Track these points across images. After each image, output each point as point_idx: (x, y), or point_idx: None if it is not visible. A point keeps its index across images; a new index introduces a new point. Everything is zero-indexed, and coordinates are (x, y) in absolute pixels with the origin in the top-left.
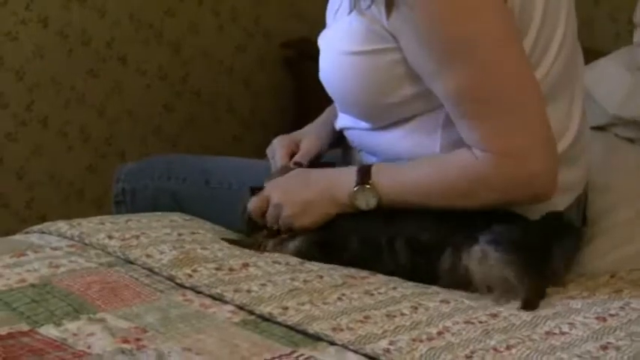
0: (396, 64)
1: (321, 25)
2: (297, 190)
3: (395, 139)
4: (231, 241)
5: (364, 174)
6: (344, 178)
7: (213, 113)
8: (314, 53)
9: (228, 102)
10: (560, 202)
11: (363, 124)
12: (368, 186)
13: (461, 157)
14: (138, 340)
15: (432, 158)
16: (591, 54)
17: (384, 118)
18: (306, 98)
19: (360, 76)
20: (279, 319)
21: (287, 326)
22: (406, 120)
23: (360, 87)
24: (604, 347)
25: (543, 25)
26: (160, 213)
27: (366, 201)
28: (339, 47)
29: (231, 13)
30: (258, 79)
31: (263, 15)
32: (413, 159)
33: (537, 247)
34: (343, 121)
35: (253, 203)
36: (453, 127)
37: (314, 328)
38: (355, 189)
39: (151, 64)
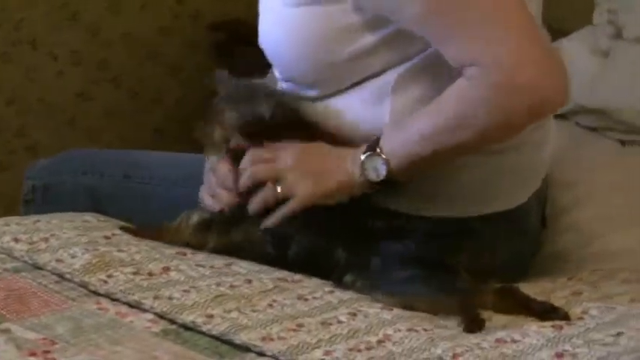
0: (342, 15)
1: (255, 4)
2: (310, 159)
3: (341, 109)
4: (131, 231)
5: (373, 141)
6: (356, 150)
7: (135, 103)
8: (249, 36)
9: (152, 90)
10: (523, 193)
11: (307, 93)
12: (377, 151)
13: (454, 86)
14: (46, 352)
15: (432, 102)
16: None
17: (329, 81)
18: None
19: (305, 30)
20: (204, 329)
21: (212, 336)
22: (353, 85)
23: (306, 42)
24: (559, 355)
25: None
26: (71, 213)
27: (375, 169)
28: (281, 0)
29: None
30: (185, 65)
31: None
32: (357, 132)
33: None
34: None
35: (254, 156)
36: (402, 92)
37: (241, 337)
38: (363, 157)
39: (64, 48)
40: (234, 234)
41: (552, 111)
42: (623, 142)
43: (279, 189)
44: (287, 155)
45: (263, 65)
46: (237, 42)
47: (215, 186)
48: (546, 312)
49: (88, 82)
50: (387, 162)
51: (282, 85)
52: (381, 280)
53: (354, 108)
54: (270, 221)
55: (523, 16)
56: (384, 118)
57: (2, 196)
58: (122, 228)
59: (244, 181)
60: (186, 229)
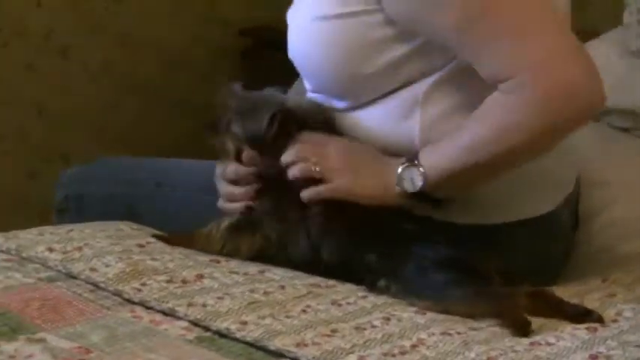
0: (374, 28)
1: (286, 10)
2: (354, 157)
3: (370, 121)
4: (163, 238)
5: (413, 154)
6: (396, 160)
7: (166, 110)
8: (277, 42)
9: (182, 98)
10: (552, 199)
11: (336, 104)
12: (414, 162)
13: (491, 101)
14: None
15: (471, 116)
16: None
17: (359, 93)
18: None
19: (334, 43)
20: (238, 335)
21: (246, 342)
22: (383, 96)
23: (334, 55)
24: (594, 357)
25: None
26: (104, 222)
27: (412, 180)
28: (310, 13)
29: None
30: (215, 71)
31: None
32: (385, 145)
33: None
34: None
35: (305, 141)
36: (432, 104)
37: (275, 343)
38: (401, 168)
39: (96, 57)
40: (266, 231)
41: (595, 111)
42: None
43: (317, 168)
44: (332, 145)
45: (291, 71)
46: (266, 48)
47: (227, 187)
48: (580, 315)
49: (119, 91)
50: (424, 174)
51: (310, 96)
52: (416, 284)
53: (382, 120)
54: (306, 194)
55: (554, 20)
56: (414, 130)
57: (36, 205)
58: (155, 236)
59: (294, 173)
60: (217, 234)
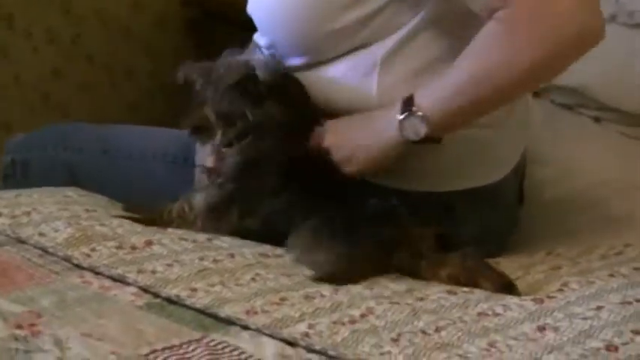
0: None
1: None
2: (348, 132)
3: (326, 80)
4: (132, 218)
5: (407, 100)
6: (389, 112)
7: (109, 80)
8: (221, 13)
9: (126, 67)
10: (500, 170)
11: (292, 62)
12: (413, 110)
13: (488, 31)
14: (32, 325)
15: (465, 52)
16: None
17: (320, 49)
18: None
19: None
20: (188, 302)
21: (196, 309)
22: (342, 55)
23: (299, 10)
24: (541, 328)
25: None
26: (52, 188)
27: (414, 129)
28: None
29: None
30: (159, 41)
31: None
32: (347, 102)
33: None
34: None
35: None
36: (390, 64)
37: (225, 311)
38: (401, 118)
39: (39, 25)
40: (232, 214)
41: (594, 41)
42: (597, 119)
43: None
44: (329, 134)
45: (236, 42)
46: (211, 18)
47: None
48: (503, 287)
49: (61, 60)
50: (426, 120)
51: (263, 52)
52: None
53: (339, 80)
54: None
55: None
56: (370, 91)
57: None
58: (122, 216)
59: None
60: (191, 214)
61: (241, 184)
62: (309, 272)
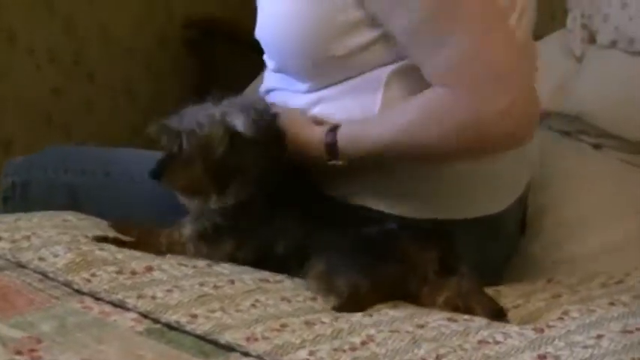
0: (343, 10)
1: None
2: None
3: (331, 98)
4: (126, 244)
5: (332, 148)
6: (314, 148)
7: (110, 99)
8: (221, 33)
9: (126, 86)
10: (503, 200)
11: (298, 87)
12: (338, 162)
13: (427, 94)
14: (32, 351)
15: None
16: None
17: (324, 75)
18: (213, 82)
19: (303, 24)
20: (188, 328)
21: (196, 335)
22: (346, 79)
23: (303, 35)
24: (542, 357)
25: None
26: (51, 212)
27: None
28: None
29: None
30: (159, 60)
31: None
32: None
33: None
34: (272, 82)
35: None
36: (395, 83)
37: (226, 337)
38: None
39: (41, 44)
40: (225, 245)
41: (517, 145)
42: (597, 146)
43: None
44: None
45: (236, 61)
46: (211, 38)
47: None
48: (493, 313)
49: (63, 78)
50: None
51: (274, 77)
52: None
53: (347, 94)
54: None
55: (506, 36)
56: (374, 110)
57: None
58: (114, 242)
59: None
60: (181, 239)
61: (234, 220)
62: (319, 300)
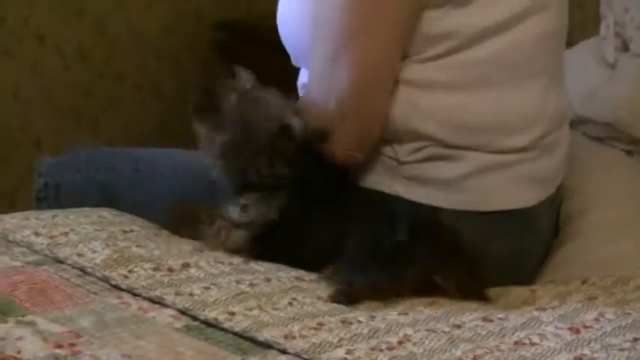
0: None
1: (257, 4)
2: None
3: None
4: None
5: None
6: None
7: (139, 99)
8: (249, 36)
9: (155, 87)
10: (528, 197)
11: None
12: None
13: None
14: (72, 345)
15: None
16: None
17: None
18: None
19: (307, 17)
20: (226, 325)
21: (234, 333)
22: None
23: (307, 29)
24: (578, 359)
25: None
26: (87, 208)
27: None
28: None
29: None
30: (187, 61)
31: None
32: None
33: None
34: (303, 77)
35: None
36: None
37: (264, 335)
38: None
39: (71, 43)
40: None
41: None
42: (629, 153)
43: None
44: None
45: (267, 65)
46: (239, 41)
47: None
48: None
49: (93, 78)
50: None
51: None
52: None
53: None
54: None
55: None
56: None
57: (7, 189)
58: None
59: None
60: (229, 241)
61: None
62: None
